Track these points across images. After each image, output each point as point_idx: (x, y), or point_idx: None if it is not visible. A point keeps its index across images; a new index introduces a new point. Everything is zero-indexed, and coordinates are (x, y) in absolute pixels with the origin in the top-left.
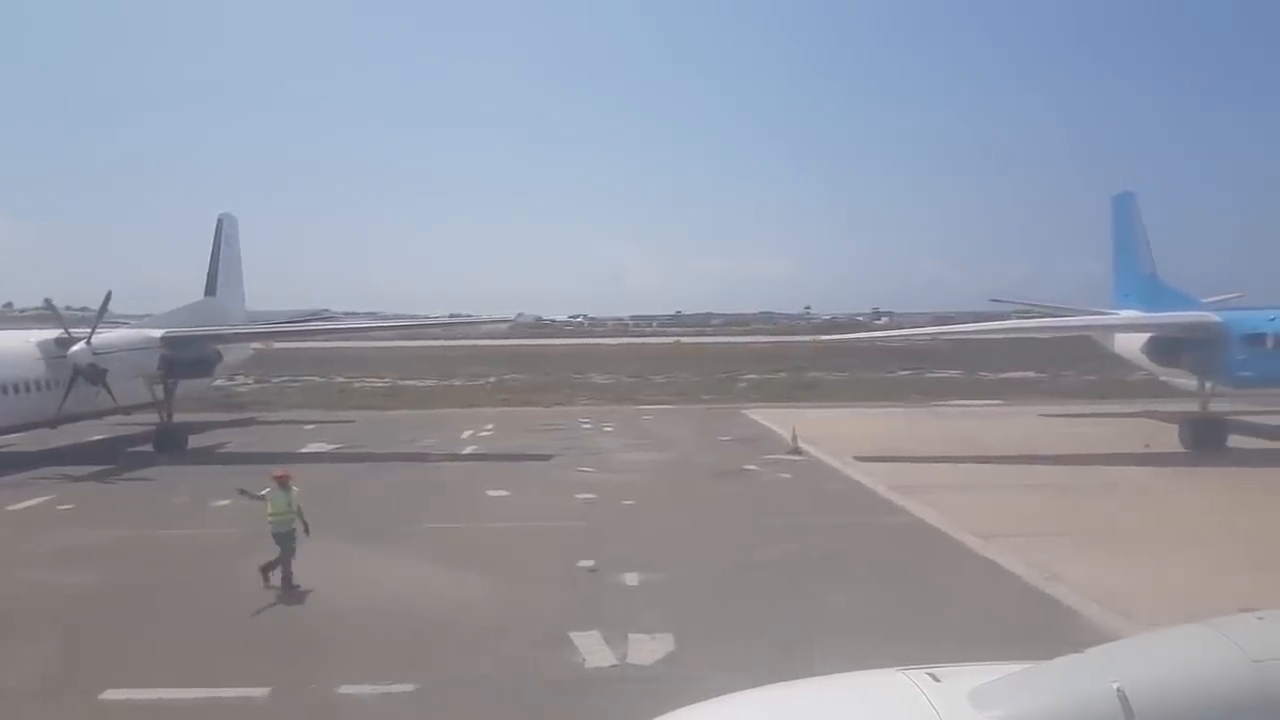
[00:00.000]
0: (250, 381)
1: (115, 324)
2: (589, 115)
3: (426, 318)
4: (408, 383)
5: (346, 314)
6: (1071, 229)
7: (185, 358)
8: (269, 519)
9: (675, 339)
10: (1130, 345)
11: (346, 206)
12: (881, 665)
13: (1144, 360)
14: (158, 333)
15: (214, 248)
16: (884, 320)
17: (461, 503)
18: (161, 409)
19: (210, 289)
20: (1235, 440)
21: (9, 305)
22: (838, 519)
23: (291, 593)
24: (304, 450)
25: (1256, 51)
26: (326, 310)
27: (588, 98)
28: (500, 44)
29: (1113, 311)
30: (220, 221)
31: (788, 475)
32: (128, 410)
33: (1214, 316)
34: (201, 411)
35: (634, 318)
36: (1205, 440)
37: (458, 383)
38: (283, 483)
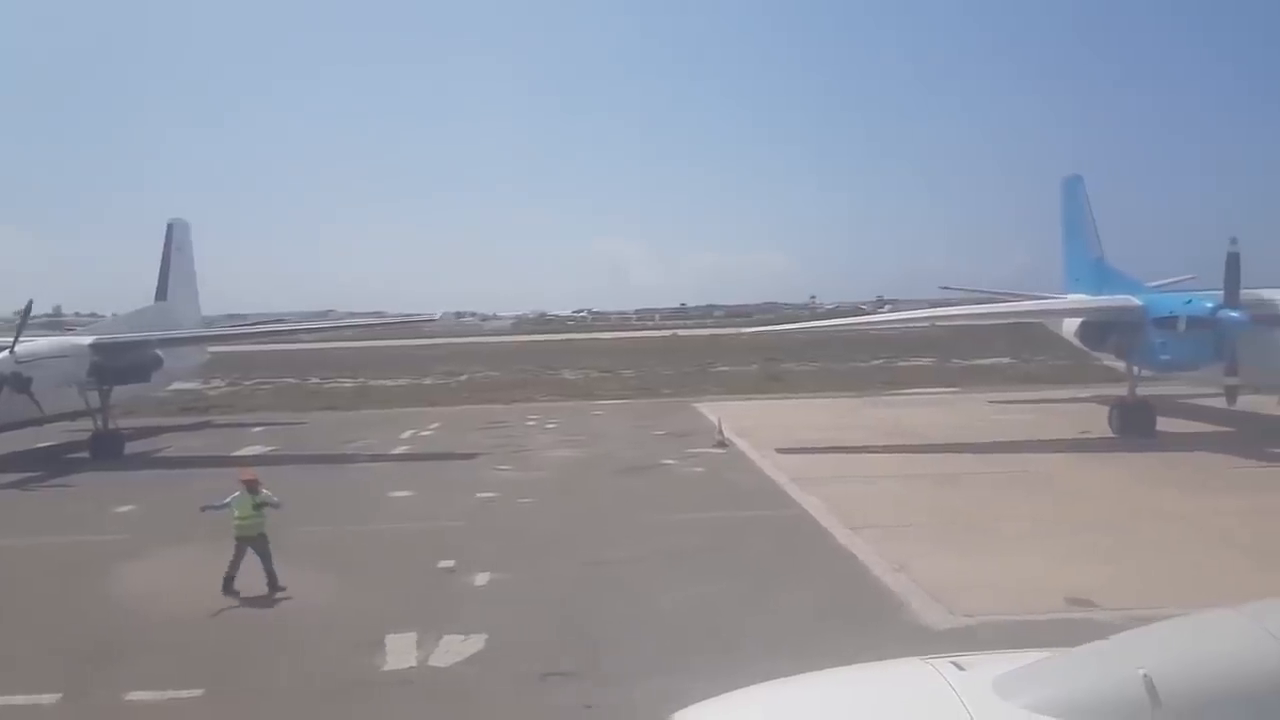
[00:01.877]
0: (223, 384)
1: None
2: (594, 112)
3: (424, 315)
4: (379, 382)
5: (350, 314)
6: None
7: (118, 364)
8: (235, 523)
9: (672, 332)
10: (1071, 330)
11: (352, 208)
12: (685, 657)
13: (1081, 344)
14: (87, 340)
15: (164, 253)
16: (887, 308)
17: (358, 504)
18: (96, 416)
19: (161, 294)
20: (1172, 424)
21: (18, 313)
22: (724, 513)
23: (276, 594)
24: (237, 454)
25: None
26: (332, 311)
27: (592, 94)
28: (505, 43)
29: (1059, 296)
30: (170, 227)
31: (700, 469)
32: (72, 417)
33: (1135, 300)
34: (161, 415)
35: (638, 312)
36: (1132, 425)
37: (428, 381)
38: (251, 486)
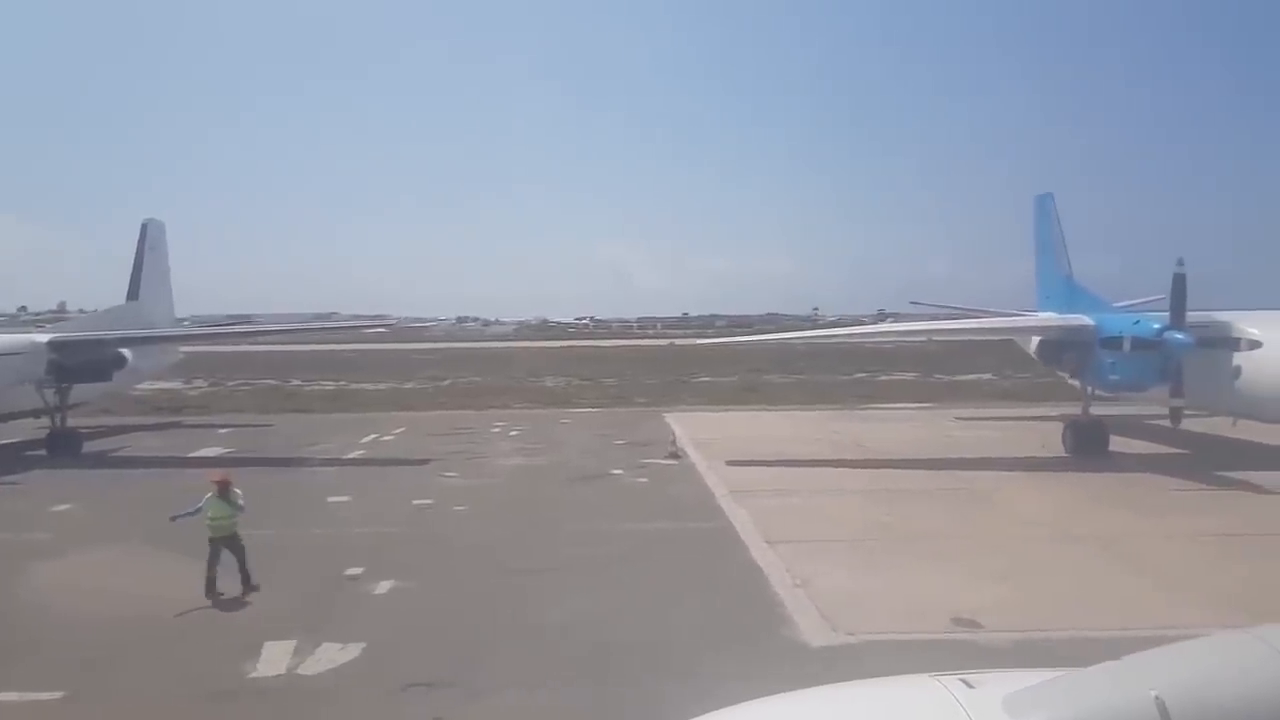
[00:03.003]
0: (205, 384)
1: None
2: (603, 118)
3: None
4: (361, 386)
5: (354, 316)
6: (1080, 228)
7: (76, 363)
8: (208, 524)
9: (670, 341)
10: (1032, 348)
11: (361, 211)
12: (556, 670)
13: (1041, 362)
14: (44, 338)
15: (137, 253)
16: (889, 320)
17: (293, 508)
18: (54, 414)
19: (133, 294)
20: (1131, 444)
21: (23, 309)
22: (653, 525)
23: (249, 591)
24: (193, 455)
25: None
26: (335, 313)
27: (603, 100)
28: (514, 49)
29: (1026, 313)
30: (144, 227)
31: (645, 480)
32: (36, 415)
33: (1087, 319)
34: (138, 414)
35: (640, 320)
36: (1084, 444)
37: (410, 386)
38: (223, 487)
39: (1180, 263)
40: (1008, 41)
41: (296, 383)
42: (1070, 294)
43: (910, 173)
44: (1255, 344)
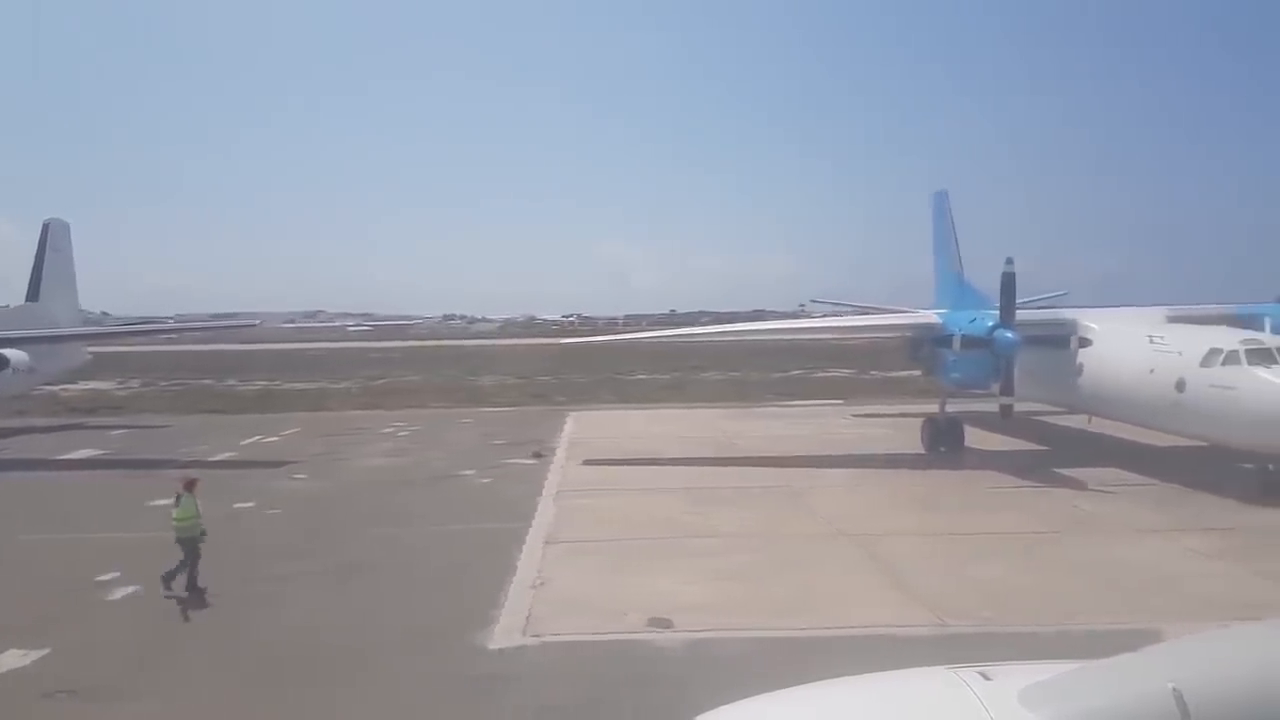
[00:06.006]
0: (138, 385)
1: None
2: (596, 118)
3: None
4: (292, 385)
5: (341, 314)
6: (1087, 223)
7: None
8: (174, 524)
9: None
10: None
11: (359, 210)
12: (216, 678)
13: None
14: None
15: (38, 253)
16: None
17: (105, 512)
18: None
19: (33, 295)
20: (998, 440)
21: (5, 307)
22: (454, 526)
23: (198, 596)
24: (60, 458)
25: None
26: (321, 311)
27: (605, 99)
28: (511, 48)
29: (913, 310)
30: (46, 227)
31: (488, 481)
32: None
33: (935, 317)
34: (50, 415)
35: (627, 317)
36: (940, 440)
37: (342, 385)
38: (190, 488)
39: (1009, 262)
40: (1017, 33)
41: (231, 382)
42: (960, 291)
43: (911, 172)
44: (1085, 341)
